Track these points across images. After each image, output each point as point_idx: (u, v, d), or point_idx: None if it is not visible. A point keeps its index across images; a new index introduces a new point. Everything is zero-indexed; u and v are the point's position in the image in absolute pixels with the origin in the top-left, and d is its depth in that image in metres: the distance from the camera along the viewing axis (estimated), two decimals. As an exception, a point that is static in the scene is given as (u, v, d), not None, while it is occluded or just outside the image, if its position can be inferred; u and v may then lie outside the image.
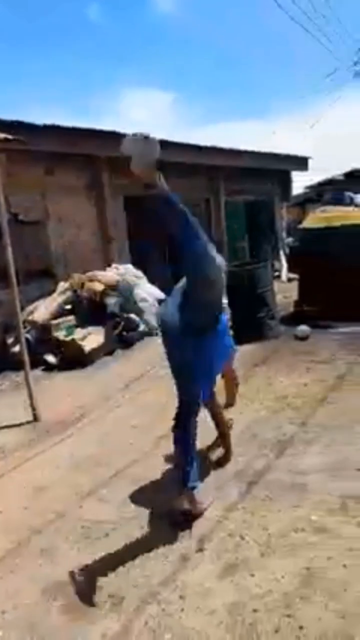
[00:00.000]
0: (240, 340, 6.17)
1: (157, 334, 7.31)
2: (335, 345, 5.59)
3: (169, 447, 3.56)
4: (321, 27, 21.16)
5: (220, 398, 3.38)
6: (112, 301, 6.92)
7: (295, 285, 7.77)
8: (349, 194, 8.43)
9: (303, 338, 6.08)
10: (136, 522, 2.74)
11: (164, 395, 4.69)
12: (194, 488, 2.69)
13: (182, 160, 9.27)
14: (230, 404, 3.79)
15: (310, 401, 4.04)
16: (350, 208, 7.58)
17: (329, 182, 19.88)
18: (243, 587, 2.16)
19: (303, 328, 6.20)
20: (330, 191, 11.59)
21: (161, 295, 7.57)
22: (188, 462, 2.70)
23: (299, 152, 13.75)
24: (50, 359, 6.25)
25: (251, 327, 6.33)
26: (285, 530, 2.48)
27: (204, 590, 2.18)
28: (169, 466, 3.27)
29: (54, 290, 7.14)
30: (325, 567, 2.18)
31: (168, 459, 3.30)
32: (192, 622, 2.00)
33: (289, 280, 11.27)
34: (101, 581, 2.30)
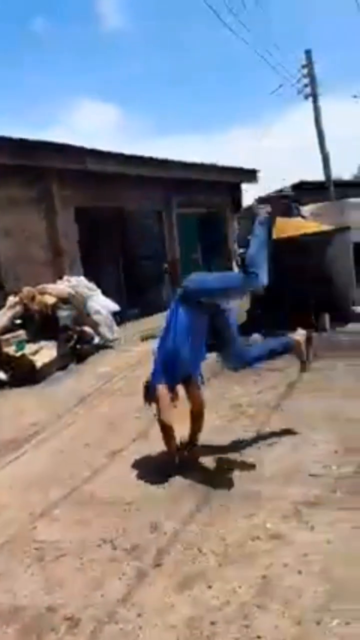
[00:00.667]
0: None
1: (112, 347, 7.26)
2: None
3: (124, 462, 3.54)
4: (267, 46, 21.89)
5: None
6: (64, 314, 6.81)
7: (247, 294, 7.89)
8: (294, 204, 8.69)
9: (256, 346, 6.18)
10: (91, 541, 2.68)
11: (119, 409, 4.65)
12: None
13: (134, 173, 9.32)
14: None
15: (263, 409, 4.10)
16: (297, 219, 7.80)
17: (274, 196, 20.40)
18: (201, 600, 2.14)
19: (256, 336, 6.31)
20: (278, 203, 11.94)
21: (116, 307, 7.53)
22: None
23: (249, 164, 14.11)
24: (1, 375, 6.06)
25: (208, 337, 6.38)
26: (242, 540, 2.49)
27: (162, 605, 2.15)
28: (123, 482, 3.24)
29: (3, 305, 6.95)
30: (281, 574, 2.20)
31: (123, 474, 3.26)
32: (150, 640, 1.96)
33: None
34: (56, 603, 2.23)
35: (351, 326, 6.47)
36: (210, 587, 2.20)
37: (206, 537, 2.55)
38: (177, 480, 3.16)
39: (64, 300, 6.93)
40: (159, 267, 10.87)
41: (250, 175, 14.19)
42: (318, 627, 1.89)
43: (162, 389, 3.22)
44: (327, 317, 6.43)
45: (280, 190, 15.48)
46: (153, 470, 3.35)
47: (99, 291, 7.53)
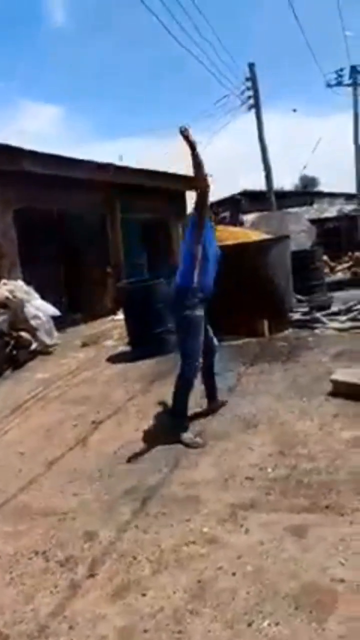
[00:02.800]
0: (138, 355, 6.23)
1: (51, 353, 7.08)
2: (226, 357, 5.79)
3: (60, 472, 3.46)
4: (210, 57, 22.33)
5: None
6: None
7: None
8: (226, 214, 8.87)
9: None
10: (23, 554, 2.58)
11: (56, 417, 4.54)
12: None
13: (78, 176, 9.18)
14: None
15: (204, 413, 4.13)
16: (238, 228, 7.98)
17: (222, 202, 20.86)
18: (134, 608, 2.11)
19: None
20: (224, 211, 12.19)
21: (56, 312, 7.36)
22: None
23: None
24: None
25: (149, 342, 6.39)
26: (178, 545, 2.48)
27: (94, 617, 2.10)
28: (59, 492, 3.16)
29: None
30: (215, 578, 2.21)
31: (59, 483, 3.18)
32: (80, 653, 1.91)
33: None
34: (-17, 622, 2.13)
35: (288, 332, 6.67)
36: (144, 595, 2.18)
37: (141, 545, 2.52)
38: (114, 488, 3.12)
39: (1, 305, 6.69)
40: (102, 271, 10.76)
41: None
42: (249, 629, 1.91)
43: None
44: (265, 323, 6.59)
45: (233, 196, 15.82)
46: (89, 477, 3.30)
47: (37, 296, 7.33)
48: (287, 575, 2.15)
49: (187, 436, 3.61)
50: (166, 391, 4.81)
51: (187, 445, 3.54)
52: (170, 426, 3.80)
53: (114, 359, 6.48)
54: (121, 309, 7.84)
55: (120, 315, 8.35)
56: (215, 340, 4.09)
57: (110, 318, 9.70)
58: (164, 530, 2.63)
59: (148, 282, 7.36)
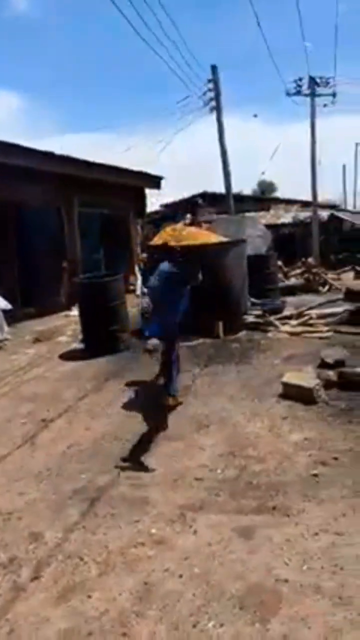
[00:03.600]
0: (92, 353, 6.14)
1: (1, 348, 6.87)
2: (183, 357, 5.81)
3: (7, 470, 3.36)
4: (173, 56, 22.32)
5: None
6: None
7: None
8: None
9: (152, 351, 6.22)
10: (-36, 556, 2.49)
11: (4, 415, 4.41)
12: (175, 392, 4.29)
13: (32, 166, 8.93)
14: None
15: (155, 412, 4.13)
16: (197, 229, 7.99)
17: (183, 202, 20.96)
18: (79, 610, 2.08)
19: (153, 341, 6.35)
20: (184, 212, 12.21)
21: (7, 305, 7.15)
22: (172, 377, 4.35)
23: (154, 171, 14.21)
24: None
25: (103, 340, 6.31)
26: (125, 547, 2.46)
27: (38, 620, 2.06)
28: (5, 491, 3.07)
29: None
30: (162, 580, 2.21)
31: (5, 482, 3.08)
32: (21, 659, 1.86)
33: (143, 293, 11.51)
34: None
35: (242, 334, 6.77)
36: (89, 597, 2.15)
37: (88, 546, 2.49)
38: (62, 488, 3.06)
39: None
40: (57, 265, 10.53)
41: (154, 181, 14.31)
42: (194, 630, 1.92)
43: None
44: (220, 324, 6.65)
45: (192, 197, 15.84)
46: (37, 477, 3.22)
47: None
48: (233, 577, 2.18)
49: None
50: (119, 390, 4.79)
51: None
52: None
53: (67, 355, 6.37)
54: (76, 305, 7.71)
55: (75, 311, 8.21)
56: None
57: (64, 314, 9.52)
58: (112, 531, 2.60)
59: (104, 278, 7.28)
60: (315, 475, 2.98)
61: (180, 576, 2.23)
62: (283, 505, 2.70)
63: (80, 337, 6.89)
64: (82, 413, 4.29)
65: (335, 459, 3.15)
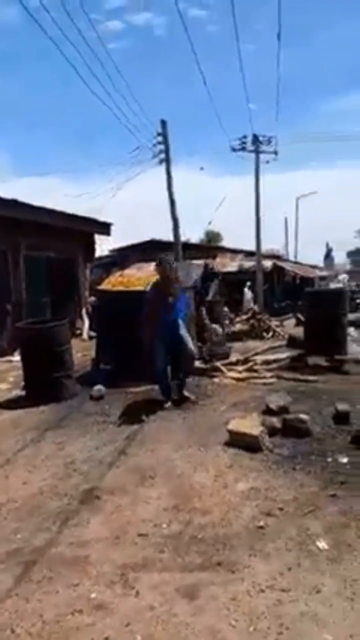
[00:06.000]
0: (34, 401, 5.90)
1: None
2: (128, 404, 5.71)
3: None
4: (123, 109, 23.15)
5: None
6: None
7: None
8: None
9: (98, 398, 6.07)
10: None
11: None
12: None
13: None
14: None
15: (98, 465, 3.98)
16: (145, 274, 8.07)
17: (132, 248, 21.28)
18: None
19: (99, 387, 6.21)
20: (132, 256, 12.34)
21: None
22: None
23: (104, 216, 14.37)
24: None
25: (47, 387, 6.09)
26: (62, 614, 2.29)
27: None
28: None
29: None
30: (100, 650, 2.06)
31: None
32: None
33: (90, 338, 11.36)
34: None
35: (189, 380, 6.75)
36: None
37: (21, 616, 2.30)
38: (-5, 550, 2.84)
39: None
40: (1, 308, 10.25)
41: (104, 227, 14.46)
42: None
43: None
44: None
45: (144, 243, 16.05)
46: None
47: None
48: (176, 641, 2.06)
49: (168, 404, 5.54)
50: (62, 441, 4.60)
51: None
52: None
53: (7, 404, 6.09)
54: (19, 350, 7.46)
55: (17, 357, 7.93)
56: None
57: (6, 359, 9.19)
58: (49, 597, 2.42)
59: (49, 323, 7.12)
60: (261, 527, 2.93)
61: (121, 645, 2.08)
62: (229, 561, 2.62)
63: (22, 384, 6.63)
64: (20, 466, 4.06)
65: (281, 509, 3.13)
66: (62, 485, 3.64)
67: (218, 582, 2.45)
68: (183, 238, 17.50)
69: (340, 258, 63.73)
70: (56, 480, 3.74)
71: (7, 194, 9.70)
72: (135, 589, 2.44)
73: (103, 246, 18.05)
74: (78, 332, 12.56)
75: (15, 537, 2.96)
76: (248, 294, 16.95)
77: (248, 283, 17.28)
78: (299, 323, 13.93)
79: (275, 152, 18.59)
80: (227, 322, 12.14)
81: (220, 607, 2.27)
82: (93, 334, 10.61)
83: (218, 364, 7.27)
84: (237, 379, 6.78)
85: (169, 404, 5.62)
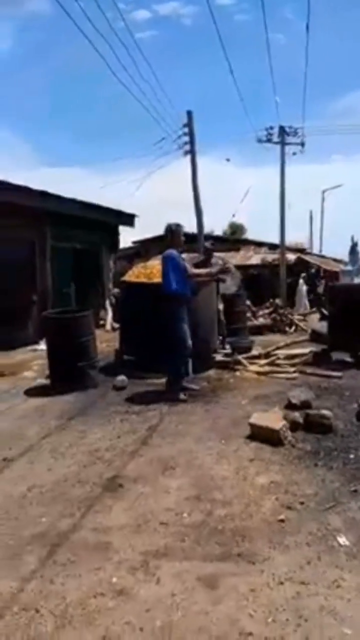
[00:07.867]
0: (59, 390, 6.01)
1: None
2: (151, 395, 5.77)
3: None
4: (151, 100, 23.10)
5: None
6: None
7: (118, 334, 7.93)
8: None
9: (121, 388, 6.15)
10: None
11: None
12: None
13: (6, 200, 8.97)
14: None
15: (120, 454, 4.04)
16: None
17: (154, 240, 21.29)
18: (32, 670, 1.96)
19: (122, 378, 6.29)
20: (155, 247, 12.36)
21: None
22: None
23: (130, 208, 14.42)
24: None
25: (71, 377, 6.20)
26: (84, 597, 2.36)
27: None
28: None
29: None
30: (121, 634, 2.11)
31: None
32: None
33: (114, 329, 11.46)
34: None
35: (211, 373, 6.78)
36: (44, 654, 2.03)
37: (46, 596, 2.37)
38: (21, 533, 2.93)
39: None
40: (27, 299, 10.41)
41: (128, 218, 14.52)
42: None
43: None
44: (190, 362, 6.65)
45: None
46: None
47: None
48: (197, 630, 2.10)
49: (181, 396, 5.56)
50: (85, 429, 4.68)
51: (180, 400, 5.47)
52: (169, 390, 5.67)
53: (32, 392, 6.22)
54: (44, 339, 7.59)
55: (43, 346, 8.07)
56: None
57: (31, 348, 9.36)
58: (72, 580, 2.49)
59: (74, 312, 7.22)
60: (282, 520, 2.95)
61: (141, 630, 2.13)
62: (249, 552, 2.65)
63: (46, 372, 6.76)
64: (45, 453, 4.16)
65: (302, 503, 3.14)
66: (85, 473, 3.71)
67: (238, 573, 2.48)
68: (207, 230, 17.43)
69: (366, 252, 62.51)
70: (80, 467, 3.81)
71: (31, 184, 9.82)
72: (156, 576, 2.49)
73: (126, 237, 18.16)
74: (102, 322, 12.68)
75: (40, 521, 3.04)
76: (303, 288, 16.30)
77: (303, 274, 16.68)
78: (323, 317, 13.79)
79: (302, 144, 18.33)
80: (249, 315, 12.08)
81: (239, 597, 2.30)
82: (116, 325, 10.69)
83: (240, 357, 7.27)
84: (259, 373, 6.77)
85: (186, 394, 5.63)
